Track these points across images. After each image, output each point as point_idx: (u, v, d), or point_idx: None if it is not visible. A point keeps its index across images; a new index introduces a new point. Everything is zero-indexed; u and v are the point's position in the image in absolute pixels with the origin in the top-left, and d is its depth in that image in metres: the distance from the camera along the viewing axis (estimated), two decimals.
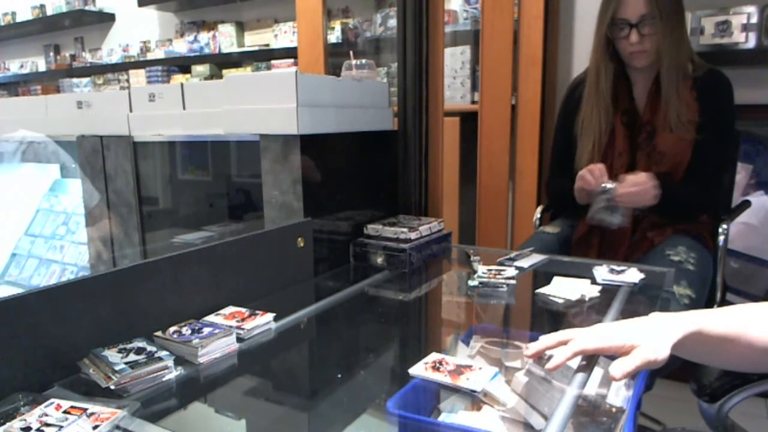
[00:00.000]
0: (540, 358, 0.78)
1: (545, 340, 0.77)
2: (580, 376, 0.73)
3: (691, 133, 1.48)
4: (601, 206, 1.45)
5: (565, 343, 0.73)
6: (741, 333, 0.76)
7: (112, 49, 4.40)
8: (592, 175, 1.45)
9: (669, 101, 1.49)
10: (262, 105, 1.21)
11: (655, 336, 0.71)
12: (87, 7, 4.36)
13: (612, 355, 0.70)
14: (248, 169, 1.47)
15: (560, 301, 1.06)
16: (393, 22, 2.84)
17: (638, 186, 1.41)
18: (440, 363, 0.76)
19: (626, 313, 1.00)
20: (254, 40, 3.64)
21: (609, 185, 1.43)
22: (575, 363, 0.78)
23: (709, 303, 1.46)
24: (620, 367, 0.65)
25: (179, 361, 0.80)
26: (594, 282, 1.15)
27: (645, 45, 1.47)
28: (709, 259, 1.48)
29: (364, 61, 1.54)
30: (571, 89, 1.71)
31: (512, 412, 0.68)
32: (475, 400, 0.70)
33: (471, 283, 1.16)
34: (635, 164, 1.55)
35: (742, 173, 2.04)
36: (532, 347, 0.76)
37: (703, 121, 1.48)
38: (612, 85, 1.57)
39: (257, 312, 0.95)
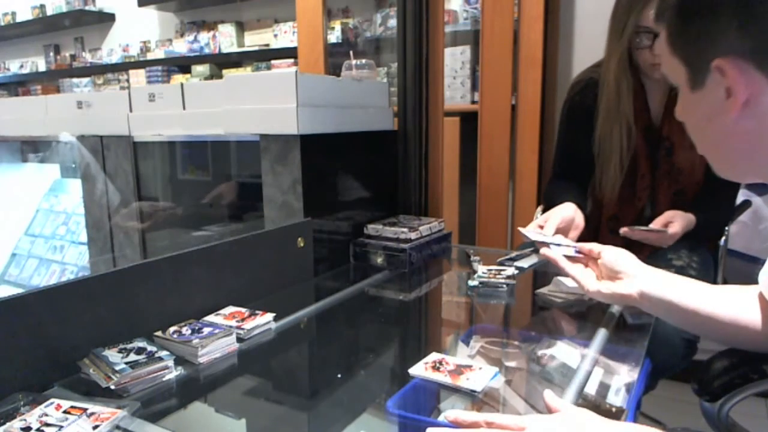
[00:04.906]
0: (539, 358, 0.78)
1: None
2: (581, 376, 0.73)
3: None
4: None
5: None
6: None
7: (112, 49, 4.40)
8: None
9: None
10: (262, 105, 1.21)
11: None
12: (87, 7, 4.35)
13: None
14: (248, 169, 1.46)
15: (560, 301, 1.06)
16: (393, 22, 2.83)
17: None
18: (440, 363, 0.76)
19: (626, 312, 1.00)
20: (254, 40, 3.64)
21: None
22: (575, 363, 0.78)
23: None
24: None
25: (179, 361, 0.80)
26: None
27: None
28: (710, 261, 1.48)
29: (364, 61, 1.54)
30: (582, 90, 1.53)
31: (512, 411, 0.67)
32: (475, 400, 0.70)
33: (471, 283, 1.16)
34: (656, 184, 1.48)
35: None
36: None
37: None
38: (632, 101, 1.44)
39: (257, 312, 0.95)
